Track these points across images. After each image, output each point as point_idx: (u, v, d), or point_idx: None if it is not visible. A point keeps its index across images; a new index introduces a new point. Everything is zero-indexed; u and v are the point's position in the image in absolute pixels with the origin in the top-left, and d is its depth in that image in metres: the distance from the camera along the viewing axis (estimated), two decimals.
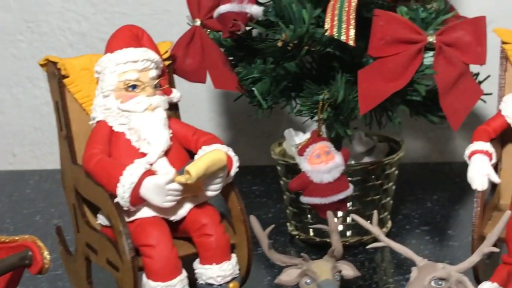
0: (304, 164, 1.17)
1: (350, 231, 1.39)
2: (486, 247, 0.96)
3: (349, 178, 1.30)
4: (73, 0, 1.79)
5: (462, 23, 1.20)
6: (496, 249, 0.98)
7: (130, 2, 1.78)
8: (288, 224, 1.47)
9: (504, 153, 1.26)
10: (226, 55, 1.29)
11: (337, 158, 1.17)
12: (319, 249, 1.33)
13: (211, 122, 1.80)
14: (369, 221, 1.03)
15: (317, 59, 1.27)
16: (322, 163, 1.16)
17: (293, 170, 1.33)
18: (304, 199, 1.19)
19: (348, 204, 1.33)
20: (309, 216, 1.39)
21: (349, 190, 1.19)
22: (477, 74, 1.32)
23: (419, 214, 1.54)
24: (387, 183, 1.40)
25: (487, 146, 1.14)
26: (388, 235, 1.41)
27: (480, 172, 1.13)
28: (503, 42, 1.25)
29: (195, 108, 1.80)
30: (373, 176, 1.36)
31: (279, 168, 1.42)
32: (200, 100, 1.79)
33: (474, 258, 0.97)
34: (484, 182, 1.13)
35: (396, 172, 1.42)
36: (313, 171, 1.17)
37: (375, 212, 1.05)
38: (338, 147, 1.36)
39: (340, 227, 1.39)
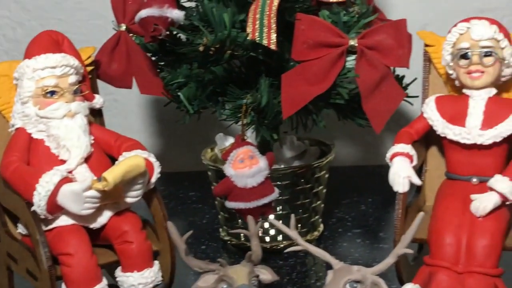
0: (228, 169, 1.17)
1: (281, 235, 1.39)
2: (400, 249, 0.96)
3: (278, 182, 1.31)
4: (7, 6, 1.77)
5: (384, 26, 1.20)
6: (409, 251, 0.99)
7: (65, 8, 1.76)
8: (220, 229, 1.46)
9: (429, 155, 1.27)
10: (152, 60, 1.28)
11: (261, 163, 1.17)
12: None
13: (150, 128, 1.80)
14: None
15: (245, 63, 1.26)
16: (246, 168, 1.16)
17: (224, 175, 1.32)
18: (229, 204, 1.18)
19: (278, 208, 1.32)
20: (239, 221, 1.39)
21: (274, 194, 1.19)
22: (402, 77, 1.32)
23: (352, 217, 1.55)
24: (317, 186, 1.40)
25: (408, 148, 1.15)
26: (319, 238, 1.42)
27: (401, 174, 1.13)
28: (426, 45, 1.26)
29: (133, 114, 1.79)
30: (302, 180, 1.36)
31: (209, 173, 1.41)
32: (139, 106, 1.78)
33: (389, 260, 0.97)
34: (405, 184, 1.13)
35: (327, 175, 1.42)
36: (237, 175, 1.16)
37: (292, 216, 1.05)
38: (267, 151, 1.36)
39: (272, 232, 1.38)
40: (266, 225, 1.39)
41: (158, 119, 1.79)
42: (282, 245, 1.39)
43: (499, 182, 1.10)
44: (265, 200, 1.19)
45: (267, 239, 1.40)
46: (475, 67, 1.15)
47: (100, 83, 1.29)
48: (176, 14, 1.18)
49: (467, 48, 1.15)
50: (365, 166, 1.78)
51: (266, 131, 1.23)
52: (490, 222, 1.10)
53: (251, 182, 1.17)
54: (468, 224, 1.11)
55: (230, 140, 1.42)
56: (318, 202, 1.42)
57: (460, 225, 1.11)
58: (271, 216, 1.22)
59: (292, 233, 1.01)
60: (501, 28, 1.16)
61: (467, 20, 1.17)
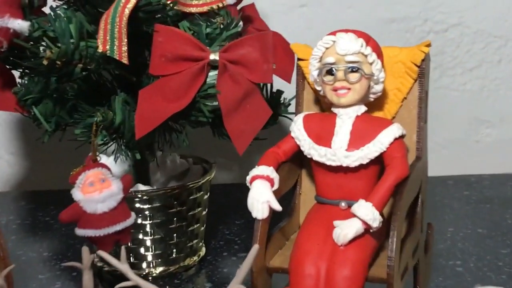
0: (77, 193, 1.11)
1: (159, 260, 1.33)
2: (235, 284, 0.90)
3: (149, 205, 1.24)
4: None
5: (249, 39, 1.15)
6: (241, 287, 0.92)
7: None
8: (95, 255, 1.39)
9: (304, 176, 1.22)
10: (5, 73, 1.21)
11: (114, 186, 1.11)
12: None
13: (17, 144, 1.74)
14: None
15: (99, 78, 1.20)
16: (96, 192, 1.09)
17: None
18: (79, 231, 1.12)
19: (151, 232, 1.27)
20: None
21: (129, 220, 1.14)
22: (281, 92, 1.27)
23: (242, 239, 1.49)
24: (196, 208, 1.34)
25: (269, 171, 1.09)
26: (200, 263, 1.36)
27: (259, 199, 1.08)
28: (299, 59, 1.20)
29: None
30: (175, 202, 1.29)
31: None
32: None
33: None
34: (264, 209, 1.08)
35: (206, 196, 1.36)
36: (86, 200, 1.10)
37: (123, 248, 0.98)
38: (144, 171, 1.30)
39: (149, 257, 1.32)
40: (142, 250, 1.32)
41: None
42: (158, 272, 1.32)
43: (361, 208, 1.05)
44: (118, 226, 1.13)
45: (144, 265, 1.33)
46: (340, 83, 1.10)
47: None
48: (19, 25, 1.11)
49: (332, 63, 1.10)
50: None
51: (125, 151, 1.16)
52: (352, 251, 1.05)
53: (102, 207, 1.11)
54: (329, 253, 1.05)
55: (104, 159, 1.36)
56: (197, 225, 1.36)
57: (320, 253, 1.06)
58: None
59: (123, 266, 0.95)
60: (370, 42, 1.11)
61: (333, 33, 1.12)
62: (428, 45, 1.15)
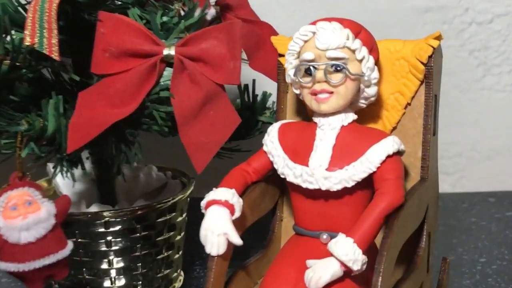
0: None
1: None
2: None
3: (109, 229, 1.09)
4: None
5: (212, 30, 0.93)
6: None
7: None
8: None
9: (285, 200, 0.99)
10: None
11: (43, 210, 0.92)
12: None
13: None
14: None
15: (32, 79, 0.99)
16: (18, 217, 0.89)
17: None
18: (0, 265, 0.91)
19: (116, 261, 1.07)
20: None
21: (63, 252, 0.94)
22: (268, 95, 1.05)
23: (232, 265, 1.26)
24: (167, 232, 1.13)
25: (229, 195, 0.87)
26: None
27: (214, 231, 0.86)
28: (280, 55, 0.98)
29: None
30: (139, 226, 1.09)
31: None
32: None
33: None
34: (220, 244, 0.87)
35: (181, 218, 1.15)
36: (7, 227, 0.90)
37: None
38: (109, 187, 1.10)
39: (121, 282, 1.12)
40: (105, 283, 1.11)
41: None
42: None
43: (339, 245, 0.83)
44: (48, 260, 0.93)
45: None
46: (320, 86, 0.88)
47: None
48: None
49: (311, 61, 0.87)
50: None
51: (67, 166, 0.96)
52: None
53: (26, 236, 0.92)
54: None
55: (59, 177, 1.16)
56: (170, 252, 1.14)
57: None
58: None
59: None
60: (361, 34, 0.88)
61: (315, 22, 0.89)
62: (438, 38, 0.91)
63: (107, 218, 1.09)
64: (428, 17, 1.54)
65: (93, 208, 1.13)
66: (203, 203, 0.90)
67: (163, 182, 1.23)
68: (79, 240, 1.09)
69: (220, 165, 1.06)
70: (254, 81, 1.09)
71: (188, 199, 1.18)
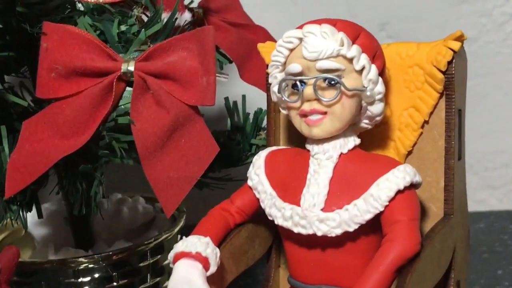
0: None
1: None
2: None
3: (84, 278, 0.94)
4: None
5: (180, 39, 0.77)
6: None
7: None
8: None
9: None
10: None
11: None
12: None
13: None
14: None
15: None
16: None
17: None
18: None
19: None
20: None
21: None
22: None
23: None
24: (155, 277, 0.96)
25: (202, 245, 0.71)
26: None
27: None
28: (268, 66, 0.80)
29: None
30: (114, 273, 0.93)
31: None
32: None
33: None
34: None
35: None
36: None
37: None
38: (82, 228, 0.95)
39: None
40: None
41: None
42: None
43: None
44: None
45: None
46: (309, 105, 0.70)
47: None
48: None
49: (297, 74, 0.70)
50: None
51: (5, 207, 0.80)
52: None
53: None
54: None
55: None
56: None
57: None
58: None
59: None
60: (360, 38, 0.70)
61: (301, 26, 0.72)
62: (460, 38, 0.73)
63: (78, 266, 0.92)
64: (464, 8, 1.36)
65: (62, 254, 0.97)
66: (170, 256, 0.73)
67: (150, 216, 1.07)
68: None
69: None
70: (244, 97, 0.92)
71: (179, 236, 1.01)
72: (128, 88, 0.79)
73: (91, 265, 0.94)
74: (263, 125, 0.95)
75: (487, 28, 1.39)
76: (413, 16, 1.37)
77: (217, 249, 0.73)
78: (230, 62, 0.96)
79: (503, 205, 1.45)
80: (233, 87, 1.10)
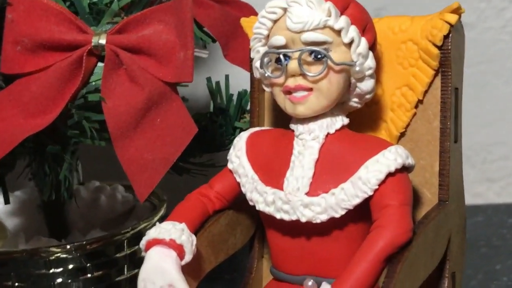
0: None
1: None
2: None
3: (56, 269, 0.89)
4: None
5: (156, 11, 0.72)
6: None
7: None
8: None
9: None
10: None
11: None
12: None
13: None
14: None
15: None
16: None
17: None
18: None
19: None
20: None
21: None
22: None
23: None
24: (132, 269, 0.92)
25: (177, 232, 0.66)
26: None
27: (156, 283, 0.64)
28: None
29: None
30: (89, 264, 0.88)
31: None
32: None
33: None
34: None
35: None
36: None
37: None
38: (57, 216, 0.90)
39: None
40: None
41: None
42: None
43: None
44: None
45: None
46: (294, 81, 0.65)
47: None
48: None
49: (281, 47, 0.65)
50: None
51: None
52: None
53: None
54: None
55: None
56: None
57: None
58: None
59: None
60: (350, 8, 0.66)
61: None
62: (457, 11, 0.68)
63: (49, 256, 0.87)
64: None
65: (34, 243, 0.92)
66: (142, 244, 0.68)
67: (130, 205, 1.01)
68: (16, 284, 0.88)
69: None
70: (227, 77, 0.87)
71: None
72: (99, 64, 0.73)
73: (63, 255, 0.89)
74: (247, 107, 0.90)
75: (486, 14, 1.34)
76: (409, 1, 1.32)
77: (194, 236, 0.68)
78: (214, 41, 0.91)
79: (502, 198, 1.40)
80: (216, 67, 1.05)
